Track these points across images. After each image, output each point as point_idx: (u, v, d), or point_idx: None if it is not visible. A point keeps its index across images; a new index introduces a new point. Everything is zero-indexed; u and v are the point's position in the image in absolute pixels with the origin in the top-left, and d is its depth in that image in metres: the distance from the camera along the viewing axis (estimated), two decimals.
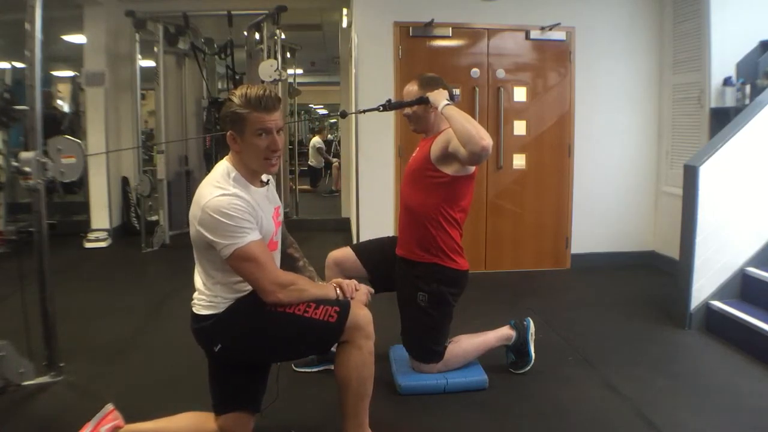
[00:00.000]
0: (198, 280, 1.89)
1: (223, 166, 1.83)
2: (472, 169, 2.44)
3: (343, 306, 1.85)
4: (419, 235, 2.49)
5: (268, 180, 1.95)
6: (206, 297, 1.84)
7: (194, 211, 1.76)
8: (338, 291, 1.92)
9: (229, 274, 1.81)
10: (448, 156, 2.37)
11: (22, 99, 2.75)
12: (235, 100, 1.76)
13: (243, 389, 1.92)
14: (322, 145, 10.83)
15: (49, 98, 7.40)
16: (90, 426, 1.87)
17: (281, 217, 2.01)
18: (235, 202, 1.72)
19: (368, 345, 1.86)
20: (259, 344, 1.85)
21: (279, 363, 2.17)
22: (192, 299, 1.90)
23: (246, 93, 1.76)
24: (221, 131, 1.84)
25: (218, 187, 1.75)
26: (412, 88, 2.53)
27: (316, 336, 1.84)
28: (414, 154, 2.63)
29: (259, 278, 1.75)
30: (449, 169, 2.41)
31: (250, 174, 1.84)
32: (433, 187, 2.44)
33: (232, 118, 1.78)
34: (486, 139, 2.15)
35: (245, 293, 1.85)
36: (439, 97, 2.36)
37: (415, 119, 2.54)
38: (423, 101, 2.44)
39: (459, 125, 2.21)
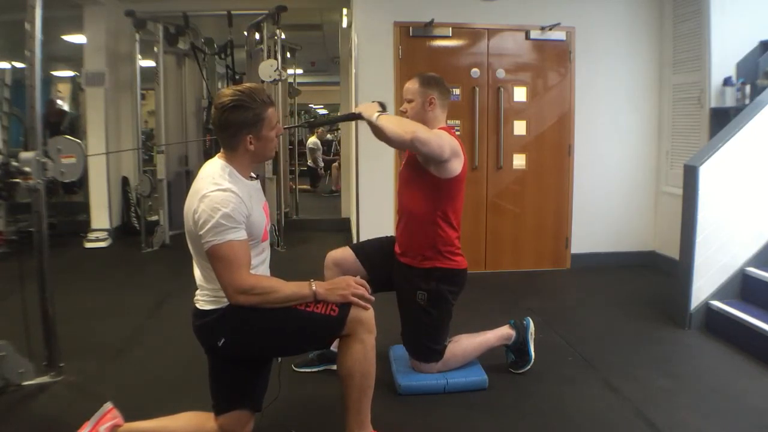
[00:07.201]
0: (198, 275, 1.90)
1: (218, 163, 1.86)
2: (458, 170, 2.43)
3: None
4: (418, 239, 2.49)
5: (257, 176, 1.99)
6: (209, 292, 1.86)
7: (191, 204, 1.80)
8: (314, 287, 1.84)
9: None
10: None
11: (21, 99, 2.75)
12: (249, 103, 1.79)
13: (243, 387, 1.92)
14: (317, 146, 10.80)
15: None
16: (89, 425, 1.87)
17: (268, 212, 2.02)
18: (230, 198, 1.75)
19: (370, 339, 1.87)
20: (261, 338, 1.86)
21: (279, 360, 2.17)
22: (194, 296, 1.91)
23: (252, 94, 1.80)
24: (228, 137, 1.84)
25: (215, 183, 1.79)
26: (412, 86, 2.52)
27: (319, 329, 1.86)
28: (405, 158, 2.63)
29: (223, 278, 1.76)
30: (434, 170, 2.41)
31: (243, 169, 1.88)
32: (427, 190, 2.44)
33: (252, 121, 1.81)
34: (409, 133, 2.25)
35: None
36: (371, 110, 2.35)
37: (411, 116, 2.54)
38: (355, 117, 2.45)
39: (391, 132, 2.26)
